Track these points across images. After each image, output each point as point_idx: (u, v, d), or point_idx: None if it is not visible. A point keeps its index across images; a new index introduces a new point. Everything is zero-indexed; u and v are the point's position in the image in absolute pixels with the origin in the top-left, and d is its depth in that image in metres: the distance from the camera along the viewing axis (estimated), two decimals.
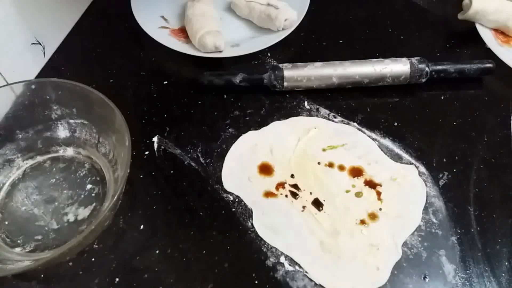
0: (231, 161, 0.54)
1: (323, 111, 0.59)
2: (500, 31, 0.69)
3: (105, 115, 0.48)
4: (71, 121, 0.52)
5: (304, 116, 0.58)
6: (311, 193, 0.51)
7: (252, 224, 0.49)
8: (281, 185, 0.52)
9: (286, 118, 0.58)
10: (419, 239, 0.48)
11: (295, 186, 0.52)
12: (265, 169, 0.53)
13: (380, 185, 0.52)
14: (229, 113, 0.58)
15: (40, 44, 0.61)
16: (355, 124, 0.58)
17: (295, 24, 0.66)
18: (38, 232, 0.47)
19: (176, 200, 0.50)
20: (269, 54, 0.66)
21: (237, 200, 0.50)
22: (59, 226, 0.47)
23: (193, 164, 0.53)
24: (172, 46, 0.63)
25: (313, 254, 0.47)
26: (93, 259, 0.46)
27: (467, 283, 0.45)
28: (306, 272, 0.45)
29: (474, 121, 0.59)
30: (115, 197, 0.42)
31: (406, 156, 0.55)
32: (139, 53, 0.66)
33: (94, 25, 0.69)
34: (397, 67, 0.59)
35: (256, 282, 0.45)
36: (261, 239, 0.47)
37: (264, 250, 0.47)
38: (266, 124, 0.57)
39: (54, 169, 0.52)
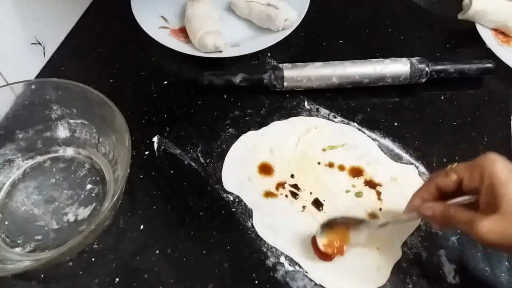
0: (231, 161, 0.54)
1: (323, 111, 0.59)
2: (500, 31, 0.69)
3: (105, 115, 0.48)
4: (71, 121, 0.52)
5: (304, 116, 0.58)
6: (311, 193, 0.51)
7: (252, 224, 0.49)
8: (281, 185, 0.52)
9: (286, 118, 0.58)
10: (419, 239, 0.48)
11: (295, 186, 0.52)
12: (265, 169, 0.53)
13: (380, 185, 0.52)
14: (229, 113, 0.58)
15: (40, 44, 0.61)
16: (355, 124, 0.58)
17: (295, 24, 0.66)
18: (38, 232, 0.47)
19: (176, 200, 0.50)
20: (269, 54, 0.66)
21: (237, 200, 0.50)
22: (59, 226, 0.47)
23: (193, 164, 0.53)
24: (172, 46, 0.63)
25: (313, 254, 0.46)
26: (93, 259, 0.46)
27: (467, 283, 0.45)
28: (306, 272, 0.45)
29: (474, 121, 0.59)
30: (115, 197, 0.42)
31: (406, 156, 0.55)
32: (139, 53, 0.66)
33: (94, 25, 0.69)
34: (397, 67, 0.59)
35: (256, 282, 0.45)
36: (261, 239, 0.47)
37: (264, 250, 0.47)
38: (266, 124, 0.57)
39: (54, 169, 0.52)
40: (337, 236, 0.45)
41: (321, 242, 0.45)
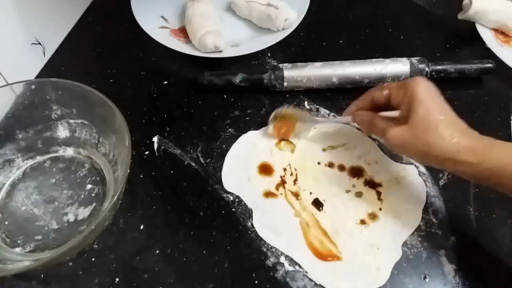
0: (231, 161, 0.54)
1: (323, 111, 0.59)
2: (500, 31, 0.69)
3: (105, 115, 0.48)
4: (71, 121, 0.52)
5: None
6: (311, 193, 0.51)
7: (252, 224, 0.49)
8: (281, 185, 0.52)
9: None
10: (419, 239, 0.48)
11: (295, 186, 0.52)
12: (265, 169, 0.53)
13: (380, 185, 0.52)
14: (229, 113, 0.58)
15: (40, 44, 0.61)
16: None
17: (295, 24, 0.66)
18: (38, 232, 0.47)
19: (176, 200, 0.50)
20: (269, 54, 0.66)
21: (237, 200, 0.50)
22: (59, 226, 0.47)
23: (193, 164, 0.53)
24: (172, 46, 0.63)
25: (312, 254, 0.47)
26: (93, 259, 0.46)
27: (467, 283, 0.45)
28: (306, 272, 0.45)
29: (474, 121, 0.58)
30: (115, 197, 0.42)
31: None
32: (139, 53, 0.66)
33: (94, 25, 0.69)
34: (397, 67, 0.59)
35: (256, 282, 0.45)
36: (261, 239, 0.47)
37: (264, 250, 0.47)
38: (266, 124, 0.57)
39: (54, 169, 0.52)
40: (286, 124, 0.54)
41: (271, 125, 0.54)
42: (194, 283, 0.45)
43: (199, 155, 0.54)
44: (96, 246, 0.46)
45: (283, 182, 0.52)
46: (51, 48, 0.64)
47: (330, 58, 0.61)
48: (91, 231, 0.40)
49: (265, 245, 0.47)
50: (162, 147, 0.55)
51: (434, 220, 0.49)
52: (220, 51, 0.63)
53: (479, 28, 0.68)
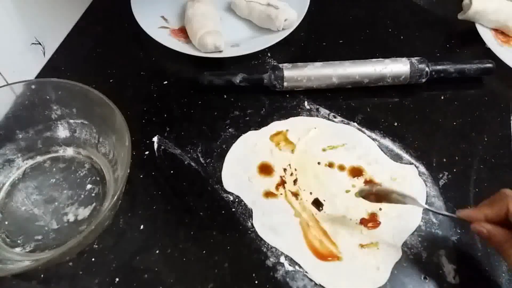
0: (231, 161, 0.53)
1: (323, 111, 0.59)
2: (500, 31, 0.69)
3: (105, 115, 0.48)
4: (71, 121, 0.52)
5: (304, 116, 0.58)
6: (311, 193, 0.51)
7: (252, 224, 0.49)
8: (281, 185, 0.52)
9: (286, 118, 0.58)
10: (419, 239, 0.48)
11: (295, 186, 0.52)
12: (265, 169, 0.53)
13: (380, 185, 0.52)
14: (229, 113, 0.58)
15: (40, 44, 0.61)
16: (355, 124, 0.58)
17: (295, 24, 0.66)
18: (38, 232, 0.47)
19: (176, 200, 0.50)
20: (269, 54, 0.66)
21: (237, 200, 0.50)
22: (59, 226, 0.47)
23: (193, 164, 0.53)
24: (172, 46, 0.63)
25: (313, 254, 0.47)
26: (93, 259, 0.46)
27: (467, 283, 0.45)
28: (306, 272, 0.45)
29: (474, 121, 0.59)
30: (115, 197, 0.42)
31: (406, 156, 0.55)
32: (139, 53, 0.66)
33: (94, 25, 0.69)
34: (397, 67, 0.59)
35: (256, 282, 0.45)
36: (261, 239, 0.47)
37: (264, 250, 0.47)
38: (266, 124, 0.57)
39: (54, 169, 0.52)
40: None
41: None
42: (194, 283, 0.45)
43: (199, 155, 0.54)
44: (96, 246, 0.46)
45: (283, 182, 0.52)
46: (51, 48, 0.64)
47: (330, 58, 0.61)
48: (91, 231, 0.40)
49: (265, 245, 0.47)
50: (162, 147, 0.55)
51: (434, 220, 0.49)
52: (220, 51, 0.63)
53: (479, 28, 0.68)
